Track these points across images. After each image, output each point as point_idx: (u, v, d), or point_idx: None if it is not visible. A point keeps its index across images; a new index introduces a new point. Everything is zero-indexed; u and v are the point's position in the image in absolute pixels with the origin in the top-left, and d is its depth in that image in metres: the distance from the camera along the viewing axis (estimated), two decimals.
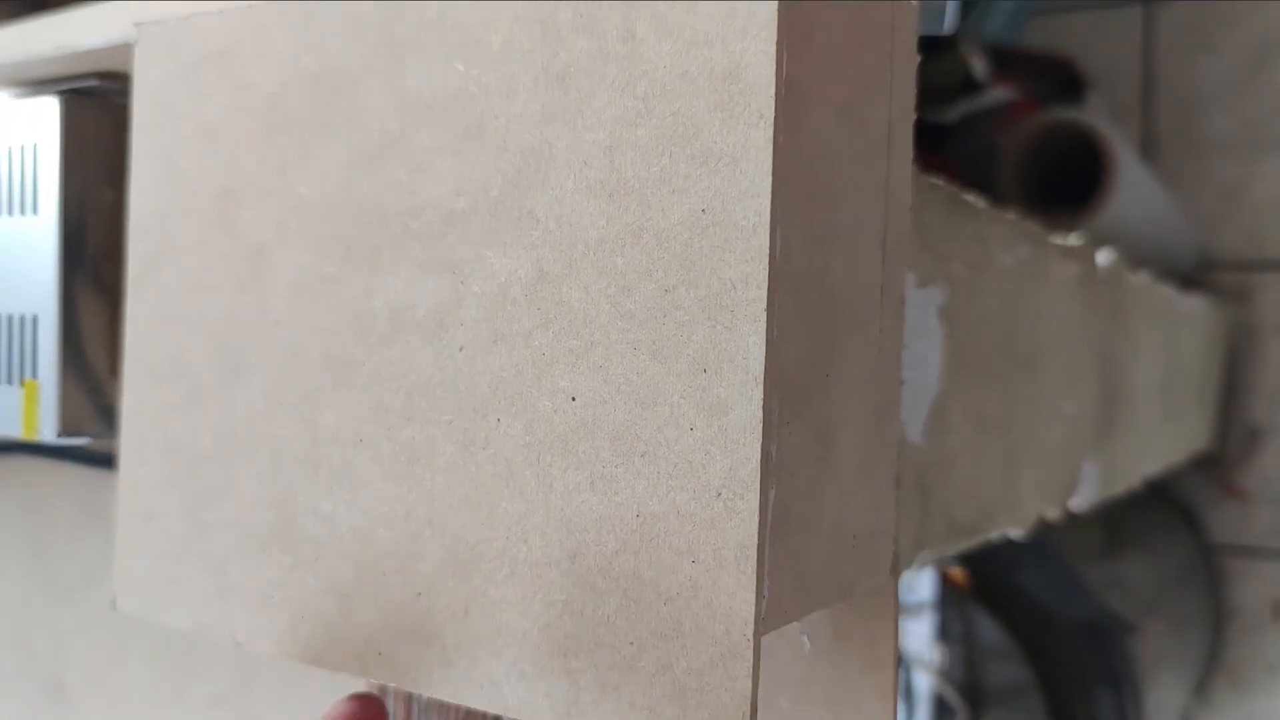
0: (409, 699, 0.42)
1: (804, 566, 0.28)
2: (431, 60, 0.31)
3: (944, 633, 0.94)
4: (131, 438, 0.38)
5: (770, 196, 0.26)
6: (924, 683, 0.94)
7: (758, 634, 0.26)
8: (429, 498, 0.31)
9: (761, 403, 0.26)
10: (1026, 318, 0.63)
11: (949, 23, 0.78)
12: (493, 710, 0.30)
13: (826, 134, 0.28)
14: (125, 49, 0.41)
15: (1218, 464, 1.33)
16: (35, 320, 0.46)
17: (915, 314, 0.47)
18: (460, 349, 0.31)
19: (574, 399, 0.29)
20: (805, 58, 0.27)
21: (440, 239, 0.31)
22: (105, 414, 0.47)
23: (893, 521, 0.33)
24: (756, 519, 0.26)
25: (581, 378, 0.29)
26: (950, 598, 0.94)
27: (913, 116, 0.33)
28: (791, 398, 0.27)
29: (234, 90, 0.36)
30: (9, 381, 0.46)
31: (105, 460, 0.54)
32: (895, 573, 0.33)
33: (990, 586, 0.93)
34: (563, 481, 0.29)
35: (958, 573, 0.94)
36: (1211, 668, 1.34)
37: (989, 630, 0.93)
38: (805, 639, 0.36)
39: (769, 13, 0.26)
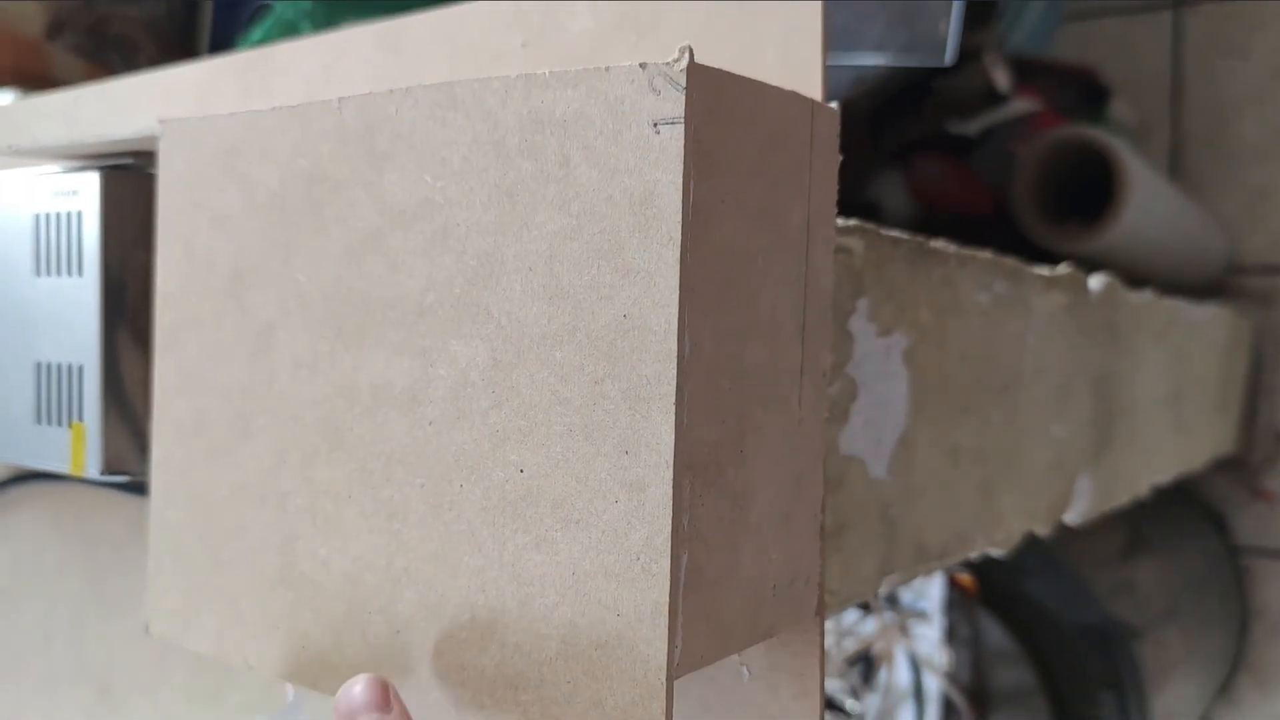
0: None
1: (719, 616, 0.33)
2: (405, 171, 0.36)
3: (951, 636, 0.97)
4: (160, 485, 0.44)
5: (677, 306, 0.30)
6: (934, 684, 0.98)
7: (670, 678, 0.31)
8: (405, 550, 0.36)
9: (672, 481, 0.30)
10: (1005, 350, 0.66)
11: (950, 54, 0.81)
12: None
13: (738, 241, 0.32)
14: (151, 138, 0.46)
15: (1244, 467, 1.35)
16: (81, 369, 0.51)
17: (879, 361, 0.51)
18: (429, 423, 0.35)
19: (522, 471, 0.33)
20: (714, 179, 0.31)
21: (413, 327, 0.36)
22: (145, 452, 0.53)
23: (817, 568, 0.37)
24: (668, 581, 0.31)
25: (528, 453, 0.33)
26: (958, 602, 0.98)
27: (834, 211, 0.37)
28: (703, 473, 0.32)
29: (242, 185, 0.41)
30: (58, 424, 0.52)
31: (144, 490, 0.60)
32: (820, 614, 0.38)
33: (997, 591, 0.97)
34: (514, 541, 0.34)
35: (966, 578, 0.97)
36: (1236, 668, 1.36)
37: (995, 634, 0.97)
38: (745, 670, 0.40)
39: (677, 146, 0.30)
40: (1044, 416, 0.73)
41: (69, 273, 0.51)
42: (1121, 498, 0.91)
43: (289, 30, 0.74)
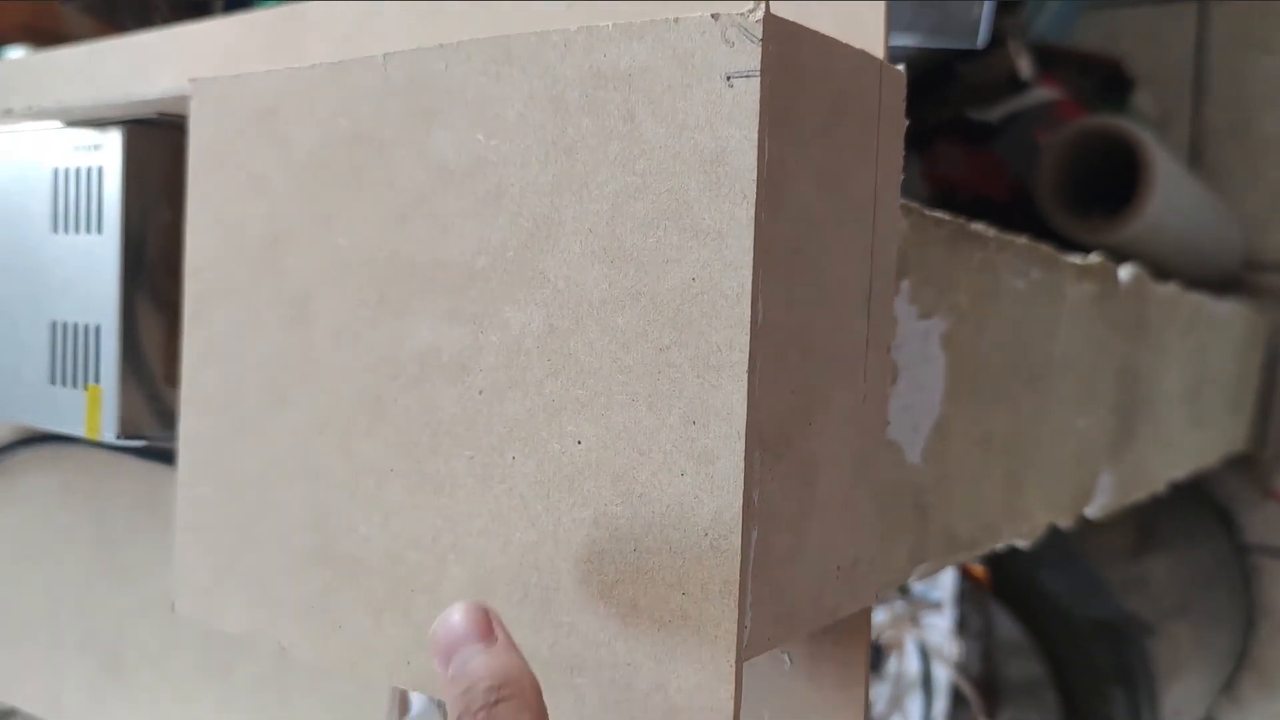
0: None
1: (787, 596, 0.31)
2: (455, 129, 0.34)
3: (963, 627, 0.96)
4: (187, 460, 0.42)
5: (752, 269, 0.29)
6: (944, 674, 0.96)
7: (739, 661, 0.29)
8: (452, 525, 0.35)
9: (744, 454, 0.29)
10: (1038, 338, 0.65)
11: (983, 37, 0.80)
12: None
13: (809, 205, 0.31)
14: (183, 98, 0.44)
15: (1255, 466, 1.34)
16: (98, 330, 0.50)
17: (917, 344, 0.50)
18: (480, 392, 0.34)
19: (580, 442, 0.32)
20: (787, 138, 0.30)
21: (462, 292, 0.34)
22: (162, 417, 0.51)
23: (876, 551, 0.36)
24: (739, 557, 0.29)
25: (586, 424, 0.32)
26: (970, 593, 0.96)
27: (900, 178, 0.35)
28: (773, 446, 0.30)
29: (279, 146, 0.39)
30: (73, 385, 0.51)
31: (162, 455, 0.58)
32: (876, 598, 0.36)
33: (1010, 583, 0.96)
34: (570, 516, 0.32)
35: (978, 569, 0.96)
36: (1241, 667, 1.35)
37: (1007, 626, 0.96)
38: (787, 658, 0.39)
39: (752, 100, 0.29)
40: (1070, 408, 0.72)
41: (88, 230, 0.50)
42: (1140, 492, 0.90)
43: None
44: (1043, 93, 1.18)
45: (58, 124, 0.51)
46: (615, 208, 0.31)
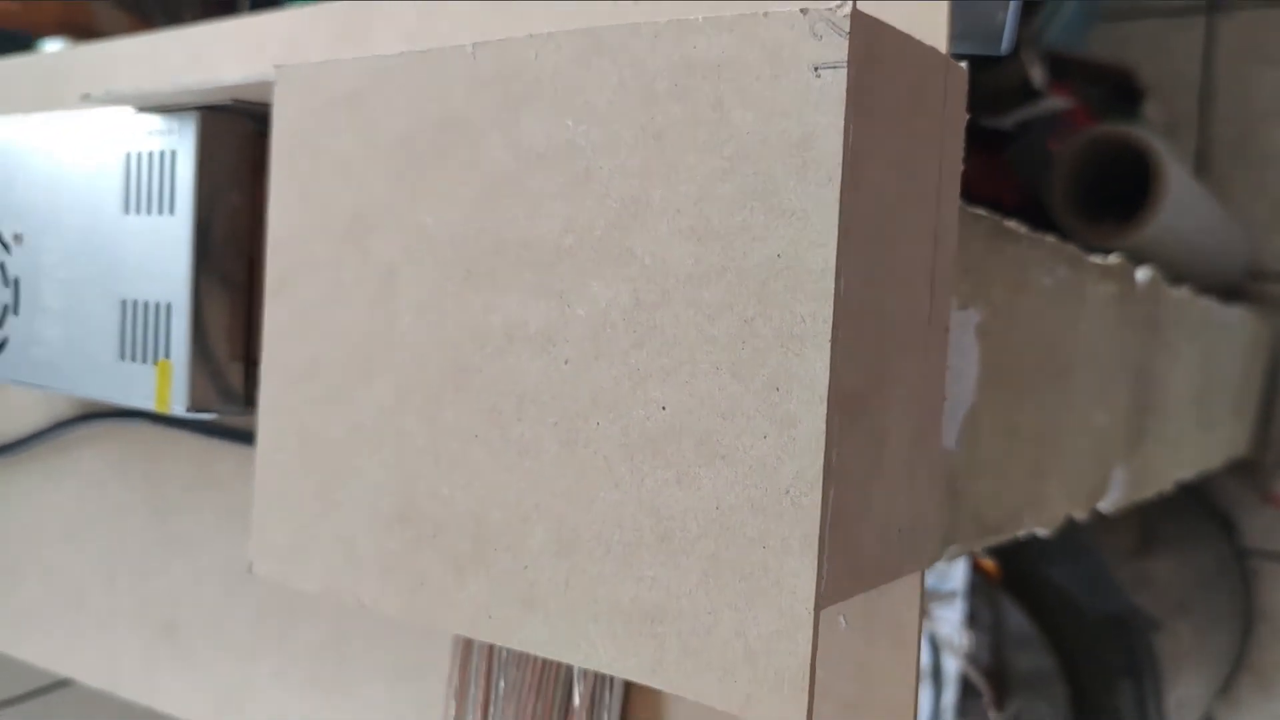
0: (491, 654, 0.48)
1: (856, 552, 0.33)
2: (544, 115, 0.37)
3: (973, 619, 0.98)
4: (269, 428, 0.44)
5: (836, 246, 0.31)
6: (953, 665, 0.98)
7: (818, 609, 0.32)
8: (536, 486, 0.37)
9: (825, 417, 0.31)
10: (1062, 334, 0.67)
11: (1006, 44, 0.82)
12: (587, 665, 0.36)
13: (884, 189, 0.33)
14: (263, 84, 0.46)
15: (1256, 471, 1.36)
16: (169, 307, 0.52)
17: (954, 333, 0.52)
18: (566, 362, 0.36)
19: (664, 408, 0.34)
20: (868, 126, 0.32)
21: (550, 268, 0.36)
22: (225, 392, 0.53)
23: (933, 518, 0.38)
24: (819, 513, 0.31)
25: (671, 391, 0.34)
26: (981, 586, 0.99)
27: (960, 169, 0.38)
28: (850, 412, 0.32)
29: (364, 130, 0.41)
30: (144, 360, 0.53)
31: (218, 431, 0.60)
32: (932, 563, 0.39)
33: (1020, 577, 0.98)
34: (653, 477, 0.34)
35: (989, 563, 0.98)
36: (1239, 668, 1.38)
37: (1017, 619, 0.98)
38: (842, 619, 0.41)
39: (839, 90, 0.31)
40: (1089, 404, 0.74)
41: (160, 211, 0.52)
42: (1150, 490, 0.93)
43: None
44: (1055, 101, 1.20)
45: (130, 110, 0.53)
46: (703, 189, 0.33)
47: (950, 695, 1.00)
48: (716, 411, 0.33)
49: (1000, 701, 0.99)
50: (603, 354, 0.35)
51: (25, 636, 0.70)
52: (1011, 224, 0.58)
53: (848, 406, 0.32)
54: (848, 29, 0.31)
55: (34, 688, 1.01)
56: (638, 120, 0.35)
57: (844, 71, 0.31)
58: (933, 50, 0.35)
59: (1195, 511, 1.36)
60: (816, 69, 0.31)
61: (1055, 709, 0.98)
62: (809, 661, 0.31)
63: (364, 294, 0.41)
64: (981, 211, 0.53)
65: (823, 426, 0.31)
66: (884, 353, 0.34)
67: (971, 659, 0.99)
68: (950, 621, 1.00)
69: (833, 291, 0.31)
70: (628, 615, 0.35)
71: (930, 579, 1.02)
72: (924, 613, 0.40)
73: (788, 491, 0.32)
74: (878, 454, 0.34)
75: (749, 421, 0.32)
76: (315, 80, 0.43)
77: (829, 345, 0.31)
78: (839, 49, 0.31)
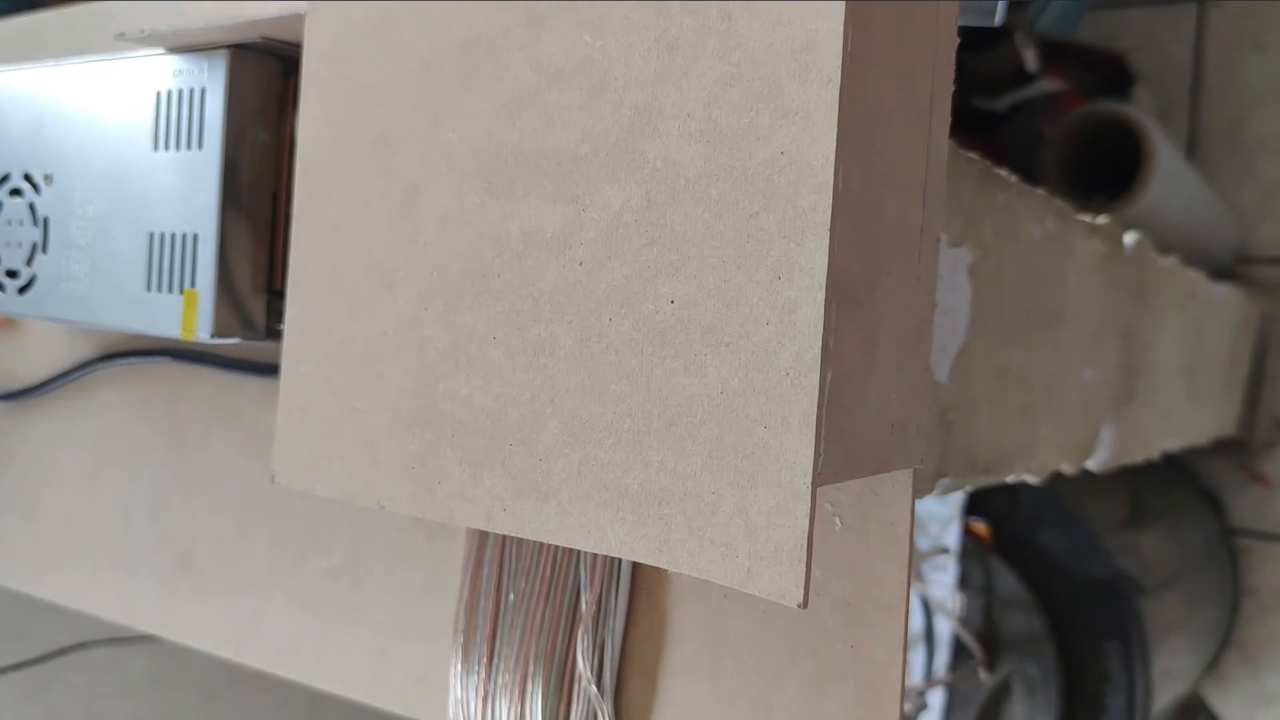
0: (500, 568, 0.50)
1: (851, 437, 0.36)
2: (564, 31, 0.39)
3: (965, 582, 1.01)
4: (294, 342, 0.47)
5: (835, 143, 0.33)
6: (946, 628, 1.01)
7: (814, 484, 0.34)
8: (551, 383, 0.39)
9: (823, 303, 0.34)
10: (1050, 285, 0.69)
11: (999, 16, 0.85)
12: (597, 550, 0.38)
13: (881, 95, 0.36)
14: (291, 19, 0.49)
15: (1244, 451, 1.39)
16: (195, 239, 0.54)
17: (946, 270, 0.55)
18: (580, 263, 0.38)
19: (673, 302, 0.36)
20: (866, 34, 0.34)
21: (567, 176, 0.39)
22: (247, 323, 0.56)
23: (924, 420, 0.40)
24: (816, 393, 0.34)
25: (679, 285, 0.36)
26: (973, 549, 1.01)
27: (951, 90, 0.40)
28: (846, 303, 0.35)
29: (391, 54, 0.44)
30: (169, 291, 0.55)
31: (236, 364, 0.62)
32: (921, 461, 0.41)
33: (1011, 541, 1.00)
34: (662, 367, 0.37)
35: (981, 526, 1.01)
36: (1226, 645, 1.40)
37: (1008, 582, 1.00)
38: (837, 520, 0.43)
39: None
40: (1078, 358, 0.76)
41: (189, 146, 0.54)
42: (1137, 455, 0.95)
43: None
44: (1047, 84, 1.23)
45: (160, 51, 0.55)
46: (712, 95, 0.36)
47: (943, 657, 1.03)
48: (722, 302, 0.35)
49: (991, 663, 1.01)
50: (615, 253, 0.38)
51: (47, 576, 0.72)
52: (1002, 171, 0.60)
53: (844, 297, 0.35)
54: None
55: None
56: (651, 33, 0.37)
57: None
58: None
59: (1183, 489, 1.38)
60: None
61: (1045, 670, 1.00)
62: (806, 534, 0.34)
63: (388, 209, 0.44)
64: (972, 155, 0.56)
65: (821, 311, 0.33)
66: (879, 250, 0.36)
67: (963, 621, 1.01)
68: (943, 584, 1.03)
69: (831, 184, 0.33)
70: (636, 499, 0.37)
71: (922, 541, 1.04)
72: (913, 515, 0.42)
73: (788, 373, 0.34)
74: (871, 348, 0.36)
75: (752, 310, 0.35)
76: (345, 9, 0.45)
77: (828, 234, 0.33)
78: None
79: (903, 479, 0.42)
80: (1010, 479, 0.69)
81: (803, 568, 0.34)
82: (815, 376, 0.34)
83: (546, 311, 0.39)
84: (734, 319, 0.35)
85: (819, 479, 0.34)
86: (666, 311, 0.37)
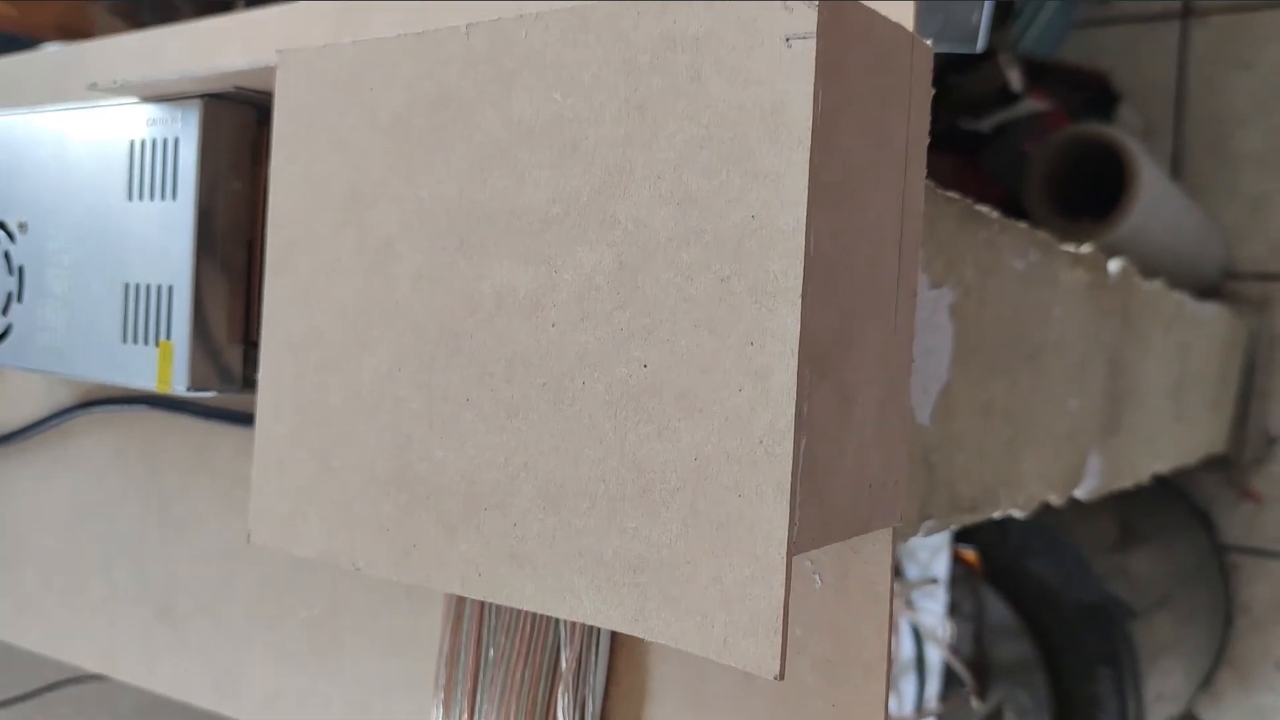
0: (480, 622, 0.50)
1: (827, 503, 0.35)
2: (534, 90, 0.39)
3: (955, 609, 1.00)
4: (268, 398, 0.46)
5: (806, 206, 0.33)
6: (936, 656, 1.00)
7: (789, 554, 0.33)
8: (524, 446, 0.39)
9: (796, 370, 0.33)
10: (1034, 317, 0.69)
11: (981, 43, 0.85)
12: (572, 617, 0.38)
13: (853, 152, 0.35)
14: (263, 71, 0.48)
15: (1233, 467, 1.38)
16: (171, 290, 0.53)
17: (927, 312, 0.54)
18: (553, 325, 0.38)
19: (646, 366, 0.36)
20: (837, 93, 0.34)
21: (538, 235, 0.38)
22: (224, 373, 0.55)
23: (903, 476, 0.40)
24: (790, 461, 0.33)
25: (652, 349, 0.36)
26: (963, 577, 1.01)
27: (926, 139, 0.40)
28: (820, 366, 0.34)
29: (363, 109, 0.43)
30: (145, 342, 0.54)
31: (216, 414, 0.62)
32: (900, 519, 0.40)
33: (1001, 568, 1.00)
34: (635, 432, 0.36)
35: (971, 554, 1.00)
36: (1219, 663, 1.40)
37: (998, 609, 1.00)
38: (817, 578, 0.43)
39: (808, 58, 0.33)
40: (1063, 388, 0.76)
41: (163, 197, 0.53)
42: (1126, 480, 0.95)
43: None
44: (1032, 104, 1.23)
45: (134, 100, 0.54)
46: (682, 156, 0.35)
47: (934, 685, 1.02)
48: (695, 367, 0.35)
49: (983, 690, 1.01)
50: (588, 316, 0.37)
51: (28, 625, 0.71)
52: (983, 208, 0.60)
53: (818, 360, 0.34)
54: (816, 1, 0.33)
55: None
56: (621, 92, 0.37)
57: (813, 41, 0.33)
58: (899, 26, 0.37)
59: (1174, 507, 1.38)
60: (788, 39, 0.33)
61: (1036, 697, 1.00)
62: (782, 604, 0.33)
63: (361, 266, 0.43)
64: (953, 194, 0.55)
65: (794, 378, 0.33)
66: (853, 310, 0.36)
67: (954, 649, 1.01)
68: (933, 612, 1.02)
69: (803, 249, 0.33)
70: (611, 567, 0.37)
71: (912, 570, 1.04)
72: (896, 572, 0.42)
73: (761, 441, 0.34)
74: (847, 409, 0.36)
75: (725, 375, 0.34)
76: (316, 63, 0.45)
77: (800, 300, 0.33)
78: (808, 20, 0.33)
79: (883, 535, 0.41)
80: (996, 515, 0.69)
81: (779, 639, 0.33)
82: (789, 444, 0.33)
83: (520, 373, 0.39)
84: (707, 384, 0.35)
85: (794, 548, 0.34)
86: (640, 375, 0.36)
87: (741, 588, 0.34)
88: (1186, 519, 1.39)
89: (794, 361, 0.33)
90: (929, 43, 0.40)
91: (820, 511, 0.35)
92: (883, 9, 0.41)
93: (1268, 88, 1.39)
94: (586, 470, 0.37)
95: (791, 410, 0.33)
